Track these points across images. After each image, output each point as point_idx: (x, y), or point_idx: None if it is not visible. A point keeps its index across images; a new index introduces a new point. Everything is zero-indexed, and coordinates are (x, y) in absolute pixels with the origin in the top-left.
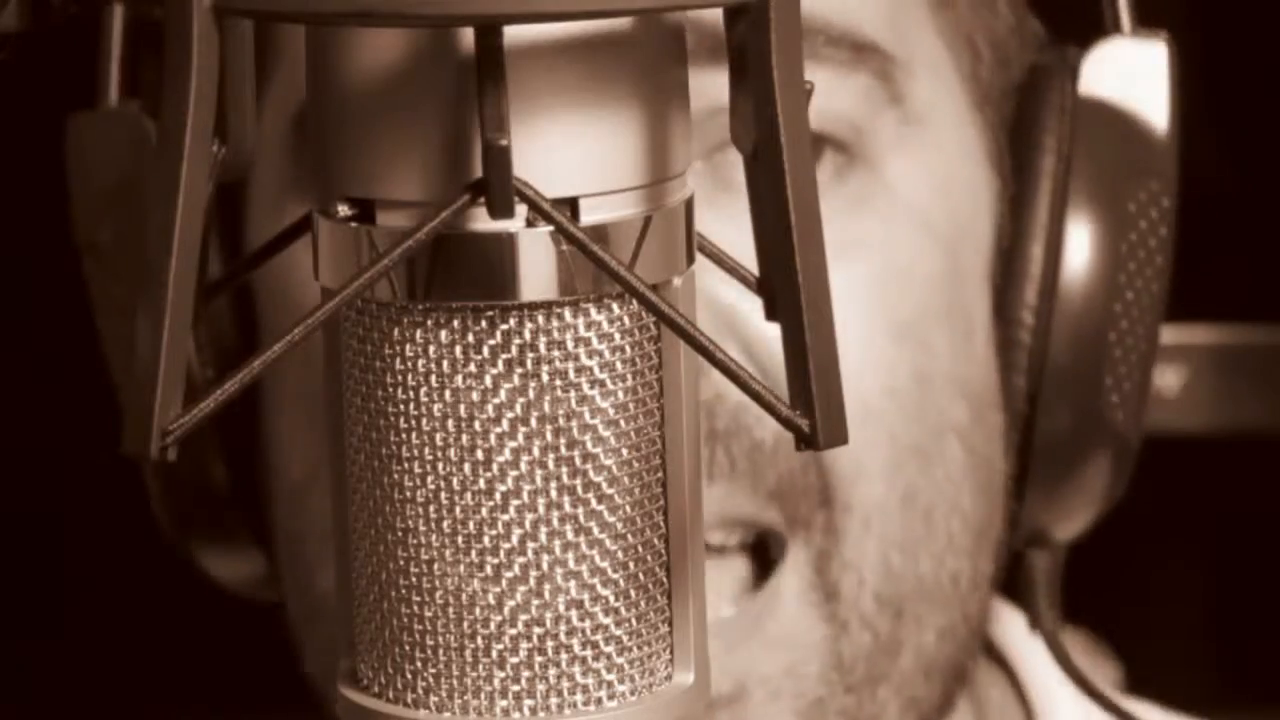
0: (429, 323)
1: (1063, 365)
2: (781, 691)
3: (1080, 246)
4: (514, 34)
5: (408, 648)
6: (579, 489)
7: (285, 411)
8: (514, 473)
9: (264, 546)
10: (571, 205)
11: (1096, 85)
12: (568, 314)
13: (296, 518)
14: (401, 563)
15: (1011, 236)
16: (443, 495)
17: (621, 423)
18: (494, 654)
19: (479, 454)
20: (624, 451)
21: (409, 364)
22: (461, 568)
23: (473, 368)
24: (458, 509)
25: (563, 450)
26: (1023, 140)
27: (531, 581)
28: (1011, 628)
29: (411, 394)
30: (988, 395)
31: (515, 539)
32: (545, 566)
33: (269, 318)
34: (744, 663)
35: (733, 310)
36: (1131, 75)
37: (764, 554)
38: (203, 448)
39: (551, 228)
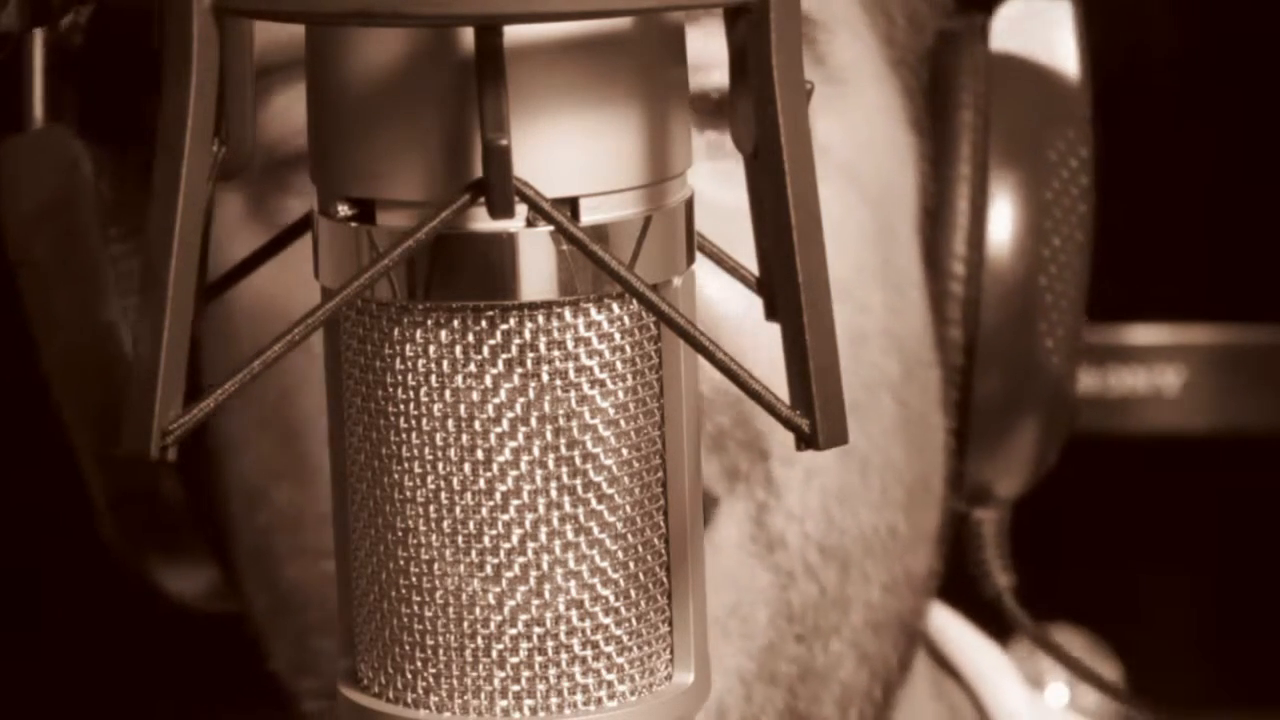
0: (429, 323)
1: (995, 312)
2: (730, 632)
3: (1004, 195)
4: (514, 34)
5: (408, 648)
6: (579, 489)
7: (235, 414)
8: (514, 473)
9: (218, 555)
10: (571, 205)
11: (1007, 42)
12: (568, 314)
13: (259, 515)
14: (401, 563)
15: (936, 193)
16: (443, 495)
17: (621, 423)
18: (494, 654)
19: (479, 454)
20: (624, 451)
21: (409, 364)
22: (461, 567)
23: (473, 368)
24: (458, 509)
25: (563, 450)
26: (940, 101)
27: (531, 581)
28: (961, 638)
29: (411, 394)
30: (922, 352)
31: (515, 539)
32: (545, 566)
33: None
34: None
35: None
36: (1039, 30)
37: None
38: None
39: (551, 228)
